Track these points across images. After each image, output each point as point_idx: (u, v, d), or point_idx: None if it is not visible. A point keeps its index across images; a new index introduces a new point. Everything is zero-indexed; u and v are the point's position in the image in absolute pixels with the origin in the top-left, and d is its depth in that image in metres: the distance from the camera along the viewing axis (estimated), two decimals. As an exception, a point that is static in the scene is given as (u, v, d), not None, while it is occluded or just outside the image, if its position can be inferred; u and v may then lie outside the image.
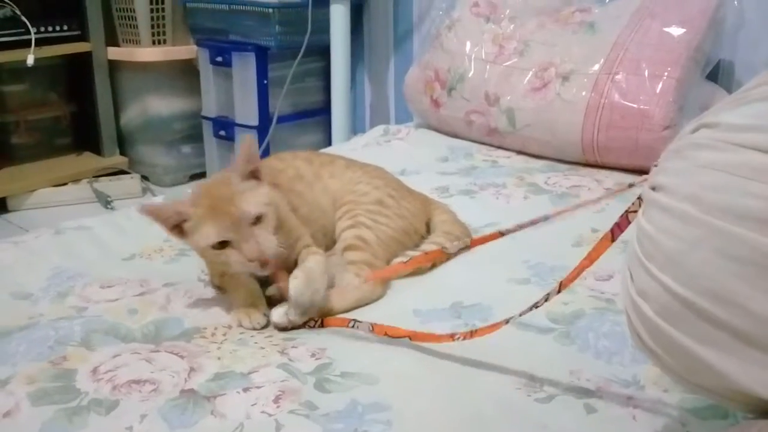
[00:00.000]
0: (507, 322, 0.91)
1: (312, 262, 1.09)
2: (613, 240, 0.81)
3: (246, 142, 1.09)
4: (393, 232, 1.23)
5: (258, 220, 1.03)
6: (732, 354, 0.59)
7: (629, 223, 0.78)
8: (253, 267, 1.02)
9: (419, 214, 1.32)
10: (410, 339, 0.97)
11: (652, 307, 0.64)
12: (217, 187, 1.05)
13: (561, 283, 0.86)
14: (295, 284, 1.04)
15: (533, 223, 0.91)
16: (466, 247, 0.97)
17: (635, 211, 0.77)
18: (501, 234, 0.94)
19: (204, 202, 1.04)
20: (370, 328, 1.00)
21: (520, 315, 0.90)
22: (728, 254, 0.58)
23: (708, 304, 0.59)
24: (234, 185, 1.04)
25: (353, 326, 1.02)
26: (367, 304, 1.12)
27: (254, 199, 1.04)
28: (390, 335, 0.98)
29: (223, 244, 1.02)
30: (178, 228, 1.05)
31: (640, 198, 0.75)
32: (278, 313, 1.05)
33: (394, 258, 1.22)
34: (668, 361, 0.65)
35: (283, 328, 1.05)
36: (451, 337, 0.94)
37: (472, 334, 0.93)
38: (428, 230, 1.34)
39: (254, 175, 1.08)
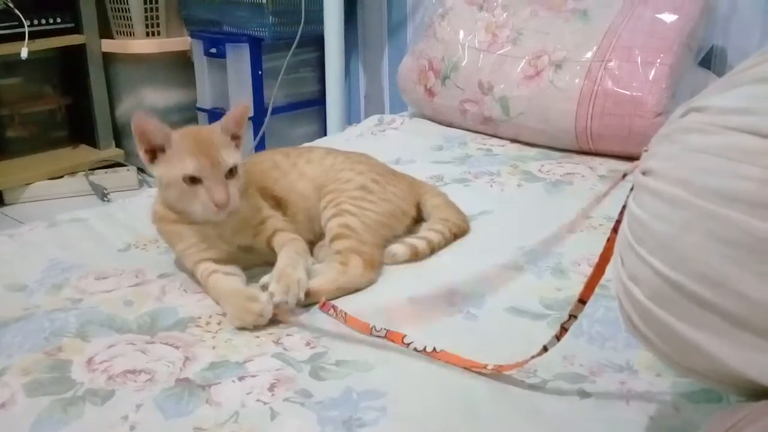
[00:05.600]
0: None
1: (291, 246, 1.14)
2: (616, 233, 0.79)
3: (240, 106, 1.15)
4: (379, 217, 1.23)
5: (231, 173, 1.10)
6: (723, 337, 0.59)
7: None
8: (213, 211, 1.08)
9: (407, 197, 1.32)
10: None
11: (643, 291, 0.64)
12: (202, 132, 1.13)
13: (580, 299, 0.84)
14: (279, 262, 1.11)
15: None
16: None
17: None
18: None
19: (189, 138, 1.10)
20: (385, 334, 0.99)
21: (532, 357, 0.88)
22: (718, 237, 0.58)
23: (698, 287, 0.59)
24: (217, 135, 1.12)
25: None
26: (356, 289, 1.12)
27: (234, 153, 1.12)
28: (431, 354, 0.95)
29: (194, 181, 1.08)
30: (152, 153, 1.11)
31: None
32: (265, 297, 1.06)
33: (384, 242, 1.22)
34: (660, 345, 0.65)
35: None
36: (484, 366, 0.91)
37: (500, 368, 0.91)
38: (419, 213, 1.34)
39: (235, 138, 1.14)
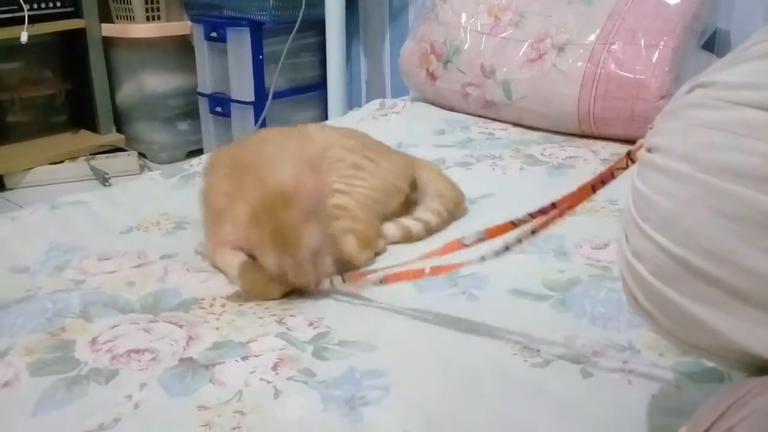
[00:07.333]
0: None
1: None
2: (594, 191, 0.81)
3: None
4: (371, 192, 1.23)
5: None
6: (727, 312, 0.59)
7: (613, 178, 0.78)
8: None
9: (400, 173, 1.31)
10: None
11: (647, 268, 0.64)
12: (278, 210, 1.00)
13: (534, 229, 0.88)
14: None
15: (542, 212, 0.89)
16: (481, 239, 0.94)
17: (622, 168, 0.78)
18: (513, 225, 0.92)
19: (267, 223, 1.00)
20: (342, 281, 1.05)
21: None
22: (724, 212, 0.58)
23: (703, 262, 0.59)
24: (296, 217, 1.00)
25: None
26: (356, 269, 1.12)
27: (316, 232, 1.02)
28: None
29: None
30: None
31: (628, 155, 0.75)
32: None
33: (376, 218, 1.22)
34: (664, 321, 0.65)
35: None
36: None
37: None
38: (415, 188, 1.33)
39: None
